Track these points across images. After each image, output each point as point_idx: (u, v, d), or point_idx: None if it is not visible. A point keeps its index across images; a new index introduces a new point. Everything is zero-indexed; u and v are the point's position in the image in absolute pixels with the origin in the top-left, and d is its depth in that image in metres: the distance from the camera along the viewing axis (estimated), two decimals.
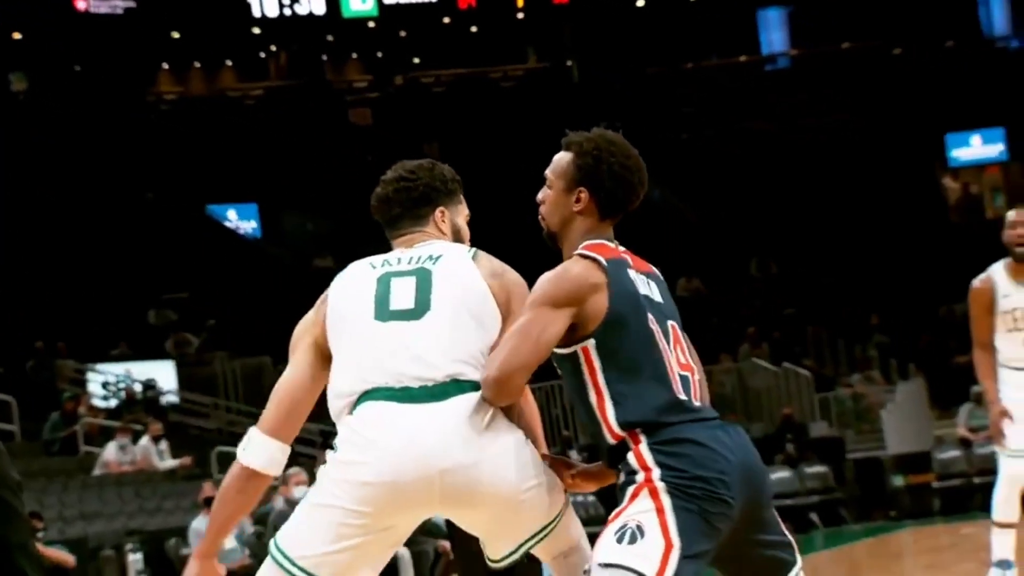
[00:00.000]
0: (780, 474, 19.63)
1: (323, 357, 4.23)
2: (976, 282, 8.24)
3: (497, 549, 4.24)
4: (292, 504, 13.36)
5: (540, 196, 4.31)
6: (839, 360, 26.67)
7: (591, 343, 4.07)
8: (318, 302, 4.29)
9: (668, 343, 4.13)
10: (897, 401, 22.88)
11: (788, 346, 24.98)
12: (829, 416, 24.12)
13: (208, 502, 14.63)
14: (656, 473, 3.97)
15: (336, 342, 4.18)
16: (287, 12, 34.84)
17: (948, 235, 29.50)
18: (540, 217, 4.31)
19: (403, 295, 4.15)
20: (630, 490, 4.00)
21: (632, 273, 4.16)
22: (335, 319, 4.20)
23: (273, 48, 37.94)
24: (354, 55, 37.87)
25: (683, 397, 4.08)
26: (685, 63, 34.68)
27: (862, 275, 27.45)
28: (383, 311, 4.14)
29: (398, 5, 35.24)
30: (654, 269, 4.32)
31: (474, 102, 34.21)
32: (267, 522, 13.63)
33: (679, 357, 4.14)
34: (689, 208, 30.20)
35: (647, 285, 4.19)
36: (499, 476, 4.05)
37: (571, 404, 4.12)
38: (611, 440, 4.07)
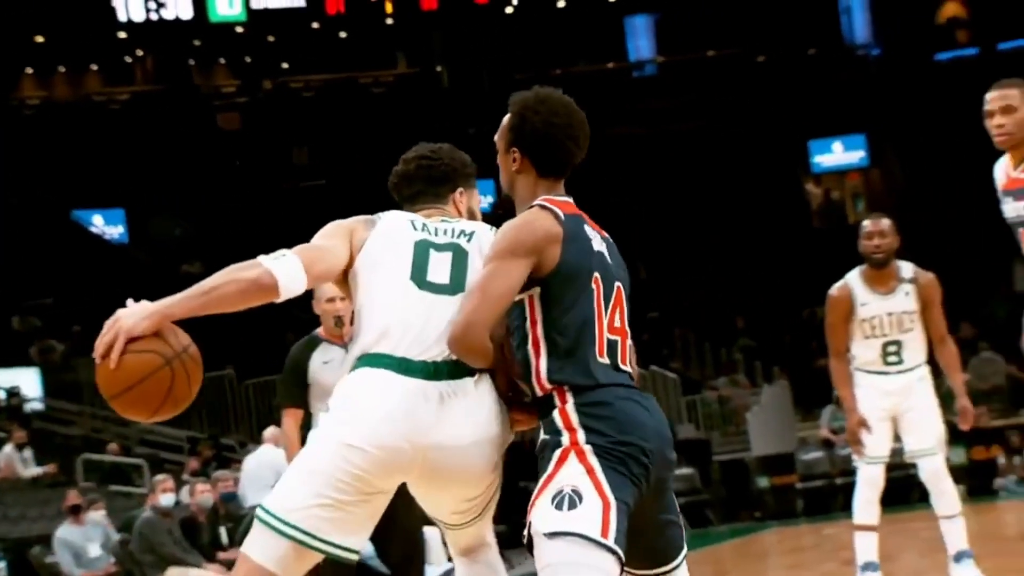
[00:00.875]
0: None
1: (349, 258, 4.27)
2: (833, 291, 8.38)
3: (445, 517, 4.31)
4: (158, 511, 13.19)
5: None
6: (705, 363, 26.93)
7: (536, 291, 4.10)
8: (361, 219, 4.32)
9: (607, 305, 4.15)
10: (762, 403, 23.12)
11: (655, 349, 25.17)
12: (696, 419, 24.34)
13: (74, 509, 14.40)
14: (581, 435, 4.00)
15: (365, 279, 4.22)
16: (153, 16, 34.39)
17: (811, 240, 29.91)
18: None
19: (440, 269, 4.22)
20: (557, 453, 4.02)
21: (588, 230, 4.20)
22: (379, 250, 4.24)
23: (139, 52, 37.44)
24: (222, 60, 37.53)
25: (606, 361, 4.10)
26: (553, 69, 34.80)
27: (728, 278, 27.77)
28: (419, 276, 4.19)
29: (266, 10, 34.96)
30: (606, 233, 4.35)
31: (344, 107, 34.06)
32: (132, 529, 13.42)
33: (614, 320, 4.16)
34: None
35: (601, 243, 4.23)
36: (481, 462, 4.12)
37: None
38: (539, 392, 4.10)
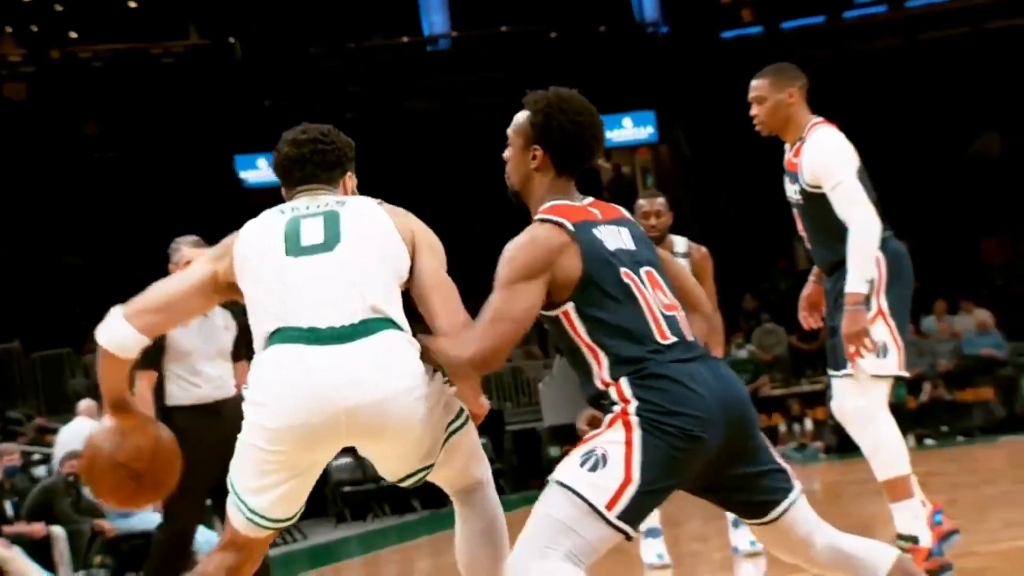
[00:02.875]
0: None
1: (216, 286, 4.27)
2: None
3: (395, 472, 4.32)
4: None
5: (505, 155, 4.40)
6: None
7: (570, 307, 4.12)
8: (226, 240, 4.30)
9: (648, 289, 4.17)
10: (553, 375, 23.36)
11: None
12: (489, 389, 24.49)
13: None
14: (633, 406, 4.02)
15: (246, 279, 4.20)
16: None
17: None
18: (506, 175, 4.39)
19: (313, 231, 4.20)
20: (607, 418, 4.06)
21: (600, 229, 4.21)
22: (245, 255, 4.21)
23: None
24: (8, 29, 36.48)
25: (670, 339, 4.14)
26: (348, 43, 34.57)
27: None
28: (294, 246, 4.17)
29: None
30: (624, 213, 4.38)
31: (134, 78, 33.40)
32: None
33: (662, 299, 4.19)
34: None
35: (617, 234, 4.25)
36: (407, 412, 4.12)
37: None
38: (601, 387, 4.11)
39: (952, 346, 22.03)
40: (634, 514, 3.95)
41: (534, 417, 23.05)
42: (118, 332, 4.24)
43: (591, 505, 3.93)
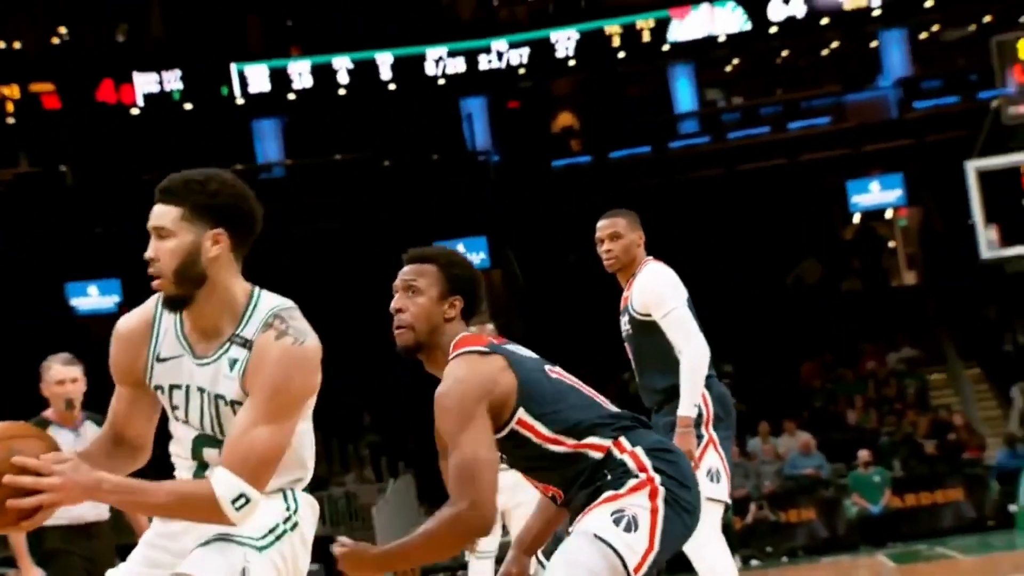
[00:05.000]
0: None
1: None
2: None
3: None
4: None
5: (397, 305, 4.35)
6: (333, 459, 26.86)
7: (518, 416, 4.13)
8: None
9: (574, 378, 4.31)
10: (387, 498, 23.20)
11: None
12: (323, 515, 24.19)
13: None
14: (657, 478, 4.03)
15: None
16: None
17: None
18: (399, 327, 4.35)
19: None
20: (631, 482, 4.03)
21: (510, 345, 4.28)
22: None
23: None
24: None
25: (618, 410, 4.22)
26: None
27: (355, 377, 27.80)
28: None
29: None
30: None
31: None
32: None
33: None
34: None
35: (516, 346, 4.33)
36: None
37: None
38: (598, 456, 4.08)
39: (776, 467, 22.35)
40: None
41: (368, 541, 22.81)
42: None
43: (624, 565, 3.95)
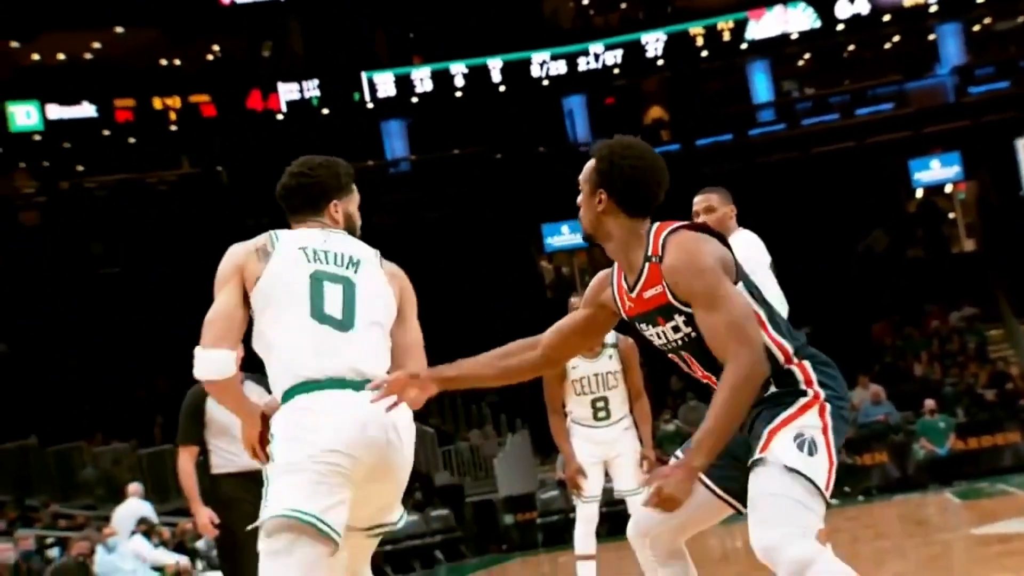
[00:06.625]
0: (409, 518, 19.68)
1: (244, 295, 4.12)
2: None
3: (372, 516, 4.12)
4: None
5: (577, 201, 4.27)
6: (458, 417, 26.99)
7: (740, 287, 3.99)
8: (253, 249, 4.15)
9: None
10: (507, 451, 23.28)
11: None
12: (451, 466, 24.35)
13: None
14: (823, 392, 3.94)
15: (266, 312, 4.07)
16: None
17: (545, 309, 30.29)
18: (579, 219, 4.26)
19: (333, 302, 4.07)
20: (801, 400, 3.92)
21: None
22: (271, 289, 4.08)
23: None
24: (22, 164, 36.38)
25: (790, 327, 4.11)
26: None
27: (473, 343, 27.92)
28: (318, 311, 4.05)
29: (61, 120, 34.10)
30: None
31: (133, 204, 33.36)
32: None
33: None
34: None
35: None
36: (409, 446, 4.09)
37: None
38: (779, 356, 3.96)
39: (852, 417, 22.11)
40: (831, 491, 3.94)
41: (490, 488, 22.91)
42: (213, 361, 4.07)
43: (817, 487, 3.88)
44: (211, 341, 4.07)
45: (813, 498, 3.86)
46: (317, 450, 3.87)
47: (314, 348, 4.00)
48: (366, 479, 3.95)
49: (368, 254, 4.32)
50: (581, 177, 4.25)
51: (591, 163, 4.22)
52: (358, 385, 3.98)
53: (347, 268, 4.20)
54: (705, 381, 4.11)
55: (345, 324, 4.07)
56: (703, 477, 4.04)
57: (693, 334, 4.00)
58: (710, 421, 3.82)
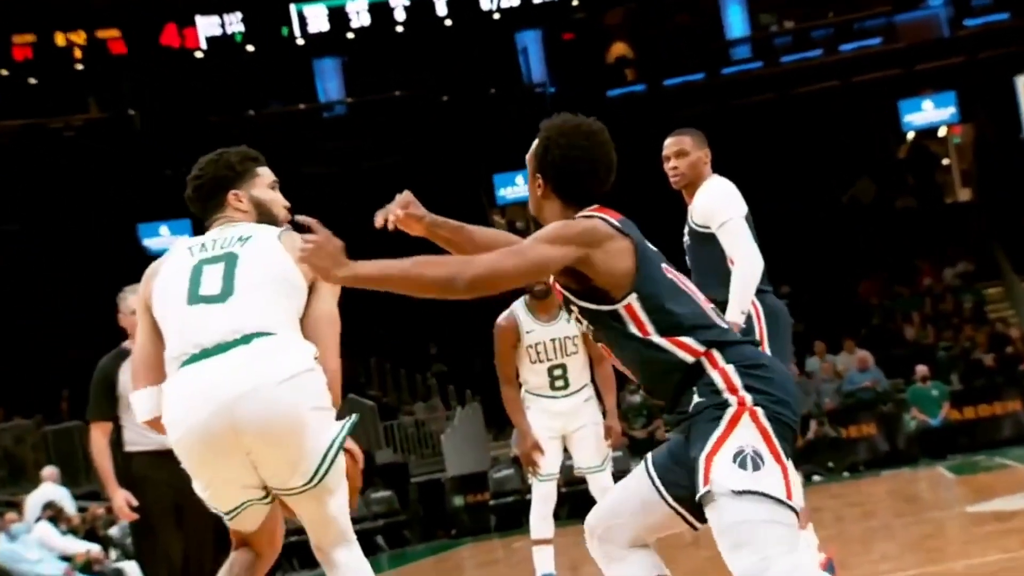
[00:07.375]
0: None
1: (155, 324, 4.48)
2: (501, 320, 8.54)
3: (283, 479, 4.28)
4: None
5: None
6: (401, 389, 27.02)
7: (632, 298, 4.02)
8: (149, 275, 4.51)
9: (689, 282, 4.19)
10: (455, 426, 23.33)
11: (352, 377, 25.15)
12: (394, 443, 24.39)
13: None
14: (750, 399, 3.95)
15: (157, 315, 4.42)
16: None
17: None
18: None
19: (211, 281, 4.34)
20: (727, 413, 3.94)
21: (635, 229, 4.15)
22: (157, 297, 4.43)
23: None
24: None
25: (721, 321, 4.12)
26: (247, 111, 34.48)
27: (418, 306, 27.94)
28: (193, 296, 4.33)
29: None
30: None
31: (35, 152, 33.04)
32: None
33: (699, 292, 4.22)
34: None
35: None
36: (286, 400, 4.18)
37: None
38: (686, 358, 4.00)
39: (835, 385, 22.28)
40: (799, 493, 3.94)
41: (438, 467, 22.97)
42: (138, 402, 4.50)
43: (776, 498, 3.88)
44: (134, 383, 4.52)
45: (777, 510, 3.89)
46: (172, 436, 4.28)
47: (179, 331, 4.33)
48: (232, 446, 4.21)
49: (266, 231, 4.53)
50: (527, 155, 4.39)
51: (535, 142, 4.35)
52: (237, 343, 4.22)
53: (232, 245, 4.46)
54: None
55: (224, 295, 4.34)
56: (654, 477, 4.13)
57: (592, 328, 4.14)
58: (388, 268, 4.16)
